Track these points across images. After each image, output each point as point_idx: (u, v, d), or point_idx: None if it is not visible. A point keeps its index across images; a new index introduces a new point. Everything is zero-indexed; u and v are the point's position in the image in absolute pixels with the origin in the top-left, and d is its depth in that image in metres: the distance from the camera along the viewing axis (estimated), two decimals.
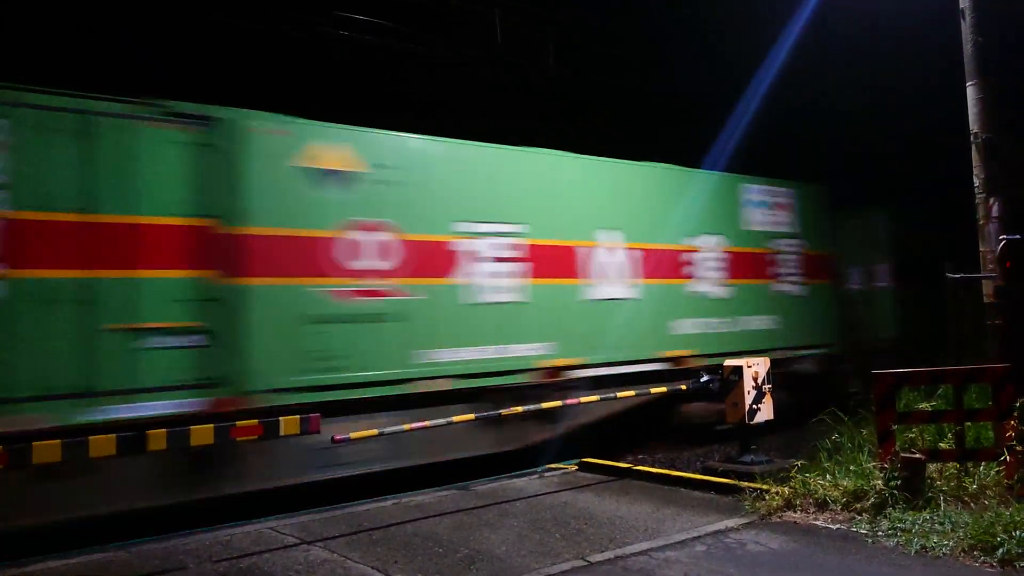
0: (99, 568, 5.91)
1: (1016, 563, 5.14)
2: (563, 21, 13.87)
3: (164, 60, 10.76)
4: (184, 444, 6.23)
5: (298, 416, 6.28)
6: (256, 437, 6.12)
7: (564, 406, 8.65)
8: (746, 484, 7.35)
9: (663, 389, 9.24)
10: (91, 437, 5.93)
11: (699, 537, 6.14)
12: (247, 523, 7.05)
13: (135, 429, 6.26)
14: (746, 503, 6.92)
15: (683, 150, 12.03)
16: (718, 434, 10.28)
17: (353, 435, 6.85)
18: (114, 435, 6.00)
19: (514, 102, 13.96)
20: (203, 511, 7.17)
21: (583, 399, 8.74)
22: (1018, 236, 6.98)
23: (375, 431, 7.09)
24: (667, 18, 15.18)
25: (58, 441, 5.87)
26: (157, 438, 6.11)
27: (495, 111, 13.00)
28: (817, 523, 6.35)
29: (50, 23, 10.56)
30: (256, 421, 6.15)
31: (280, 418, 6.25)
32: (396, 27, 12.01)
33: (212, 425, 6.04)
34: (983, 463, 6.69)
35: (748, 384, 8.25)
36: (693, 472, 8.51)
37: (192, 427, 6.22)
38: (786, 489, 6.90)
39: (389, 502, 7.69)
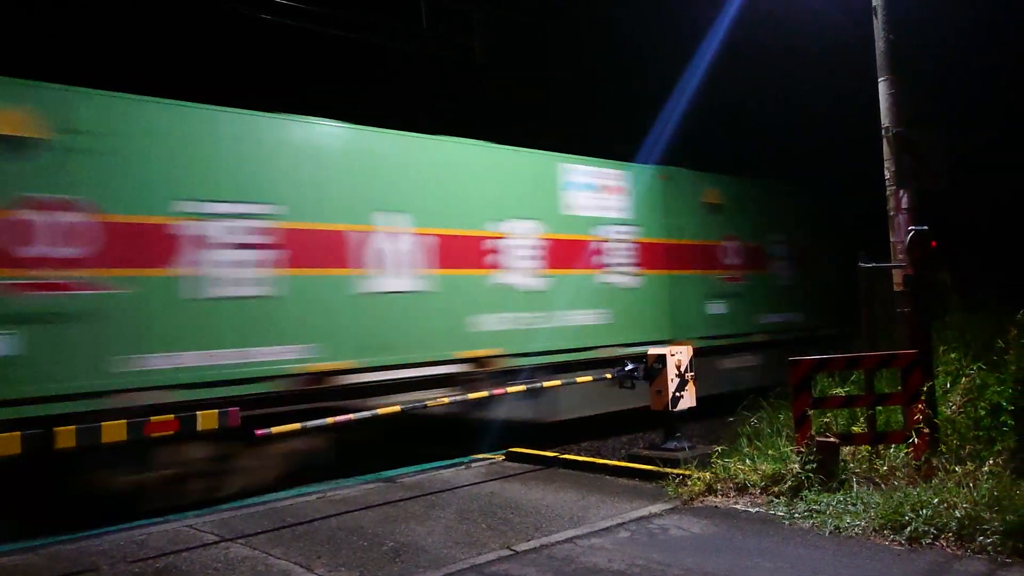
0: (4, 572, 5.64)
1: (922, 540, 5.36)
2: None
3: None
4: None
5: (216, 410, 6.14)
6: (172, 432, 5.94)
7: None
8: (669, 470, 7.48)
9: (589, 378, 9.30)
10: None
11: (623, 524, 6.22)
12: (163, 521, 6.85)
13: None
14: (669, 489, 7.04)
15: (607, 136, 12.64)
16: (643, 421, 10.42)
17: (274, 430, 6.72)
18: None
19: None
20: (115, 508, 6.93)
21: None
22: (926, 227, 7.25)
23: (298, 425, 6.95)
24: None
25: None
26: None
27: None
28: (737, 507, 6.51)
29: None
30: (172, 416, 5.98)
31: (197, 412, 6.10)
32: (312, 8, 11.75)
33: (124, 421, 5.85)
34: (893, 445, 6.96)
35: (671, 372, 8.38)
36: (618, 459, 8.62)
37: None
38: (708, 474, 7.05)
39: (313, 496, 7.58)
